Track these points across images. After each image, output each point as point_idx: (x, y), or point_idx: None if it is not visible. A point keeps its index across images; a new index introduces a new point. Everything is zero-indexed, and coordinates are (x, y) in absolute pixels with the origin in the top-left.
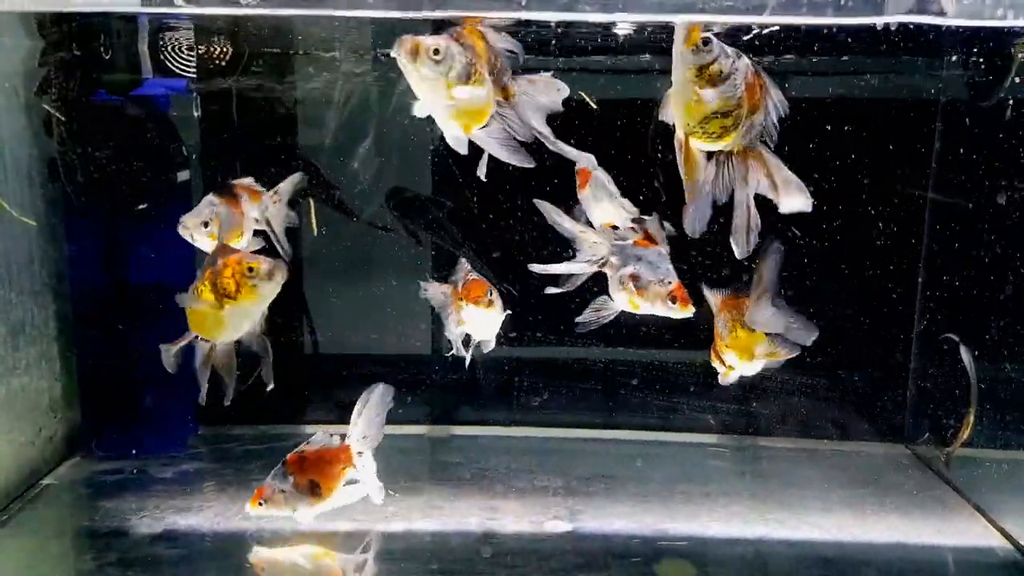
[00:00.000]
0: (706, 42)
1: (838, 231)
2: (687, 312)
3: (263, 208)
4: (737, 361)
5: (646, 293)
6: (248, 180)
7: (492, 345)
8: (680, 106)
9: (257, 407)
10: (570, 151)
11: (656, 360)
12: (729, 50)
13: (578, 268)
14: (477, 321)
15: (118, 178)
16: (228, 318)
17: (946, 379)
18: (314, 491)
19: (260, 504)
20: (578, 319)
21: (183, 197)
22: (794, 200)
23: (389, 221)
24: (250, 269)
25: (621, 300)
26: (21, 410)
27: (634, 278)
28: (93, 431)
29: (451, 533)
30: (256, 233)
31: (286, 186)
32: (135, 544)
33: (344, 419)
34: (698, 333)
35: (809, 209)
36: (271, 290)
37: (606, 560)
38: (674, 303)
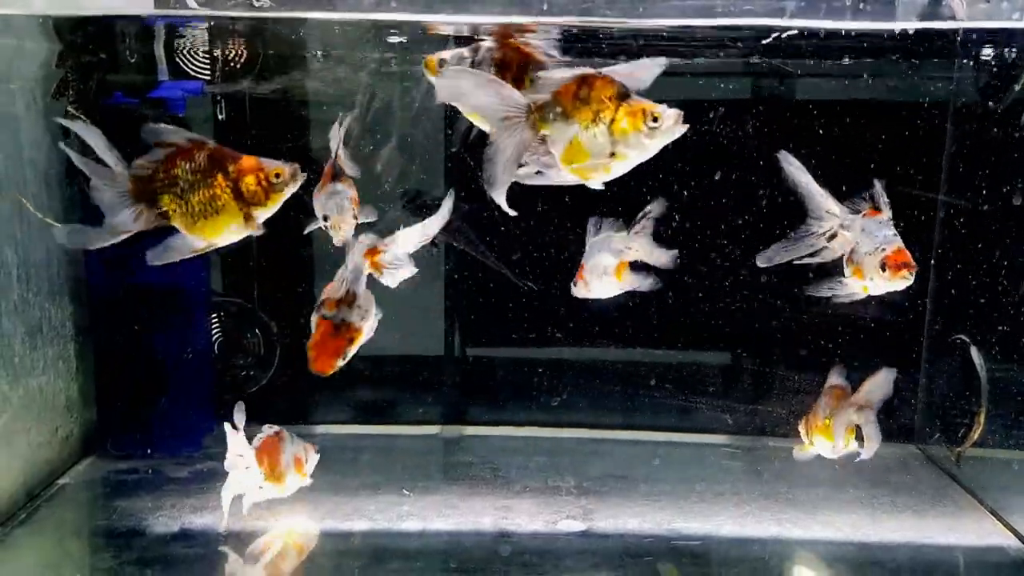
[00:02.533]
0: (441, 63)
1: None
2: (903, 281)
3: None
4: (822, 445)
5: (863, 268)
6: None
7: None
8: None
9: (273, 407)
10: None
11: (669, 361)
12: (466, 51)
13: (805, 248)
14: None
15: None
16: (245, 226)
17: (957, 380)
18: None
19: None
20: (810, 291)
21: None
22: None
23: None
24: (277, 175)
25: (853, 281)
26: (38, 410)
27: (852, 254)
28: (109, 431)
29: (466, 532)
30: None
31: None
32: (152, 543)
33: (358, 419)
34: (712, 331)
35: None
36: (290, 192)
37: (620, 559)
38: (883, 270)
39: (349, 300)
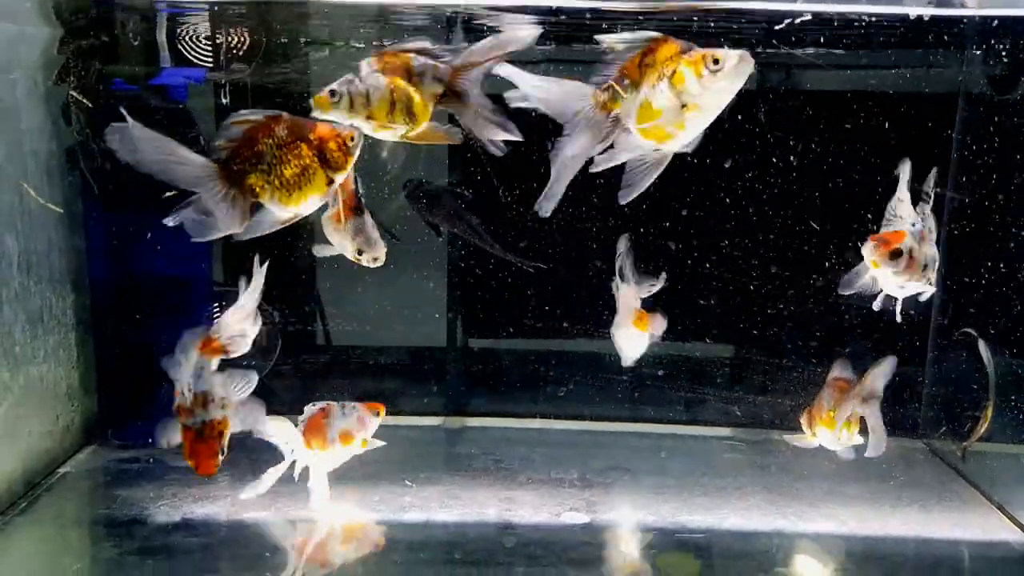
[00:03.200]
0: (333, 94)
1: (856, 224)
2: (881, 258)
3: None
4: (825, 437)
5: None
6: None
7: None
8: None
9: (275, 396)
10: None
11: (674, 353)
12: (350, 76)
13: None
14: None
15: (136, 168)
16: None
17: (963, 374)
18: None
19: None
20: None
21: None
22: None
23: (408, 212)
24: (352, 139)
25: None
26: (39, 399)
27: None
28: (110, 420)
29: (469, 524)
30: None
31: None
32: (153, 533)
33: None
34: (717, 324)
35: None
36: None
37: (625, 552)
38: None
39: (201, 401)
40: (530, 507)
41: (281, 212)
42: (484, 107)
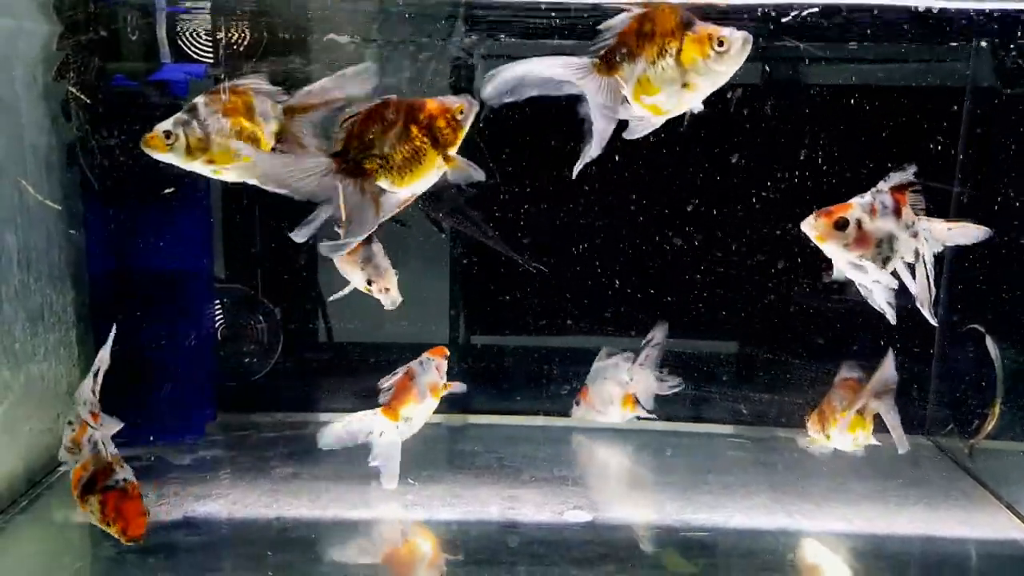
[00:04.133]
0: (168, 135)
1: None
2: (825, 229)
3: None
4: (838, 437)
5: None
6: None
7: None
8: None
9: (276, 394)
10: None
11: (679, 350)
12: (184, 115)
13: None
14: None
15: (136, 163)
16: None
17: (970, 370)
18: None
19: None
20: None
21: (200, 183)
22: None
23: (410, 208)
24: (461, 112)
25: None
26: (40, 397)
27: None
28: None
29: (472, 522)
30: None
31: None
32: (155, 531)
33: (362, 407)
34: (723, 321)
35: None
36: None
37: (628, 550)
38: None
39: (117, 462)
40: (533, 505)
41: (398, 193)
42: (322, 147)
